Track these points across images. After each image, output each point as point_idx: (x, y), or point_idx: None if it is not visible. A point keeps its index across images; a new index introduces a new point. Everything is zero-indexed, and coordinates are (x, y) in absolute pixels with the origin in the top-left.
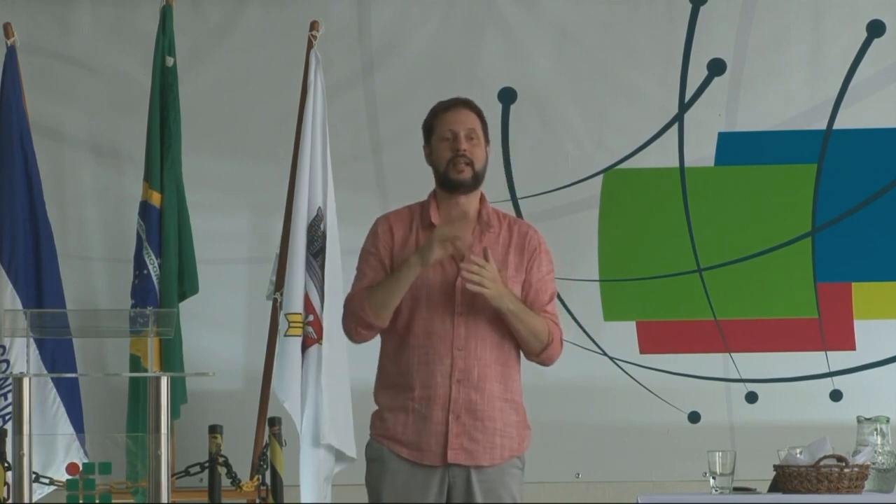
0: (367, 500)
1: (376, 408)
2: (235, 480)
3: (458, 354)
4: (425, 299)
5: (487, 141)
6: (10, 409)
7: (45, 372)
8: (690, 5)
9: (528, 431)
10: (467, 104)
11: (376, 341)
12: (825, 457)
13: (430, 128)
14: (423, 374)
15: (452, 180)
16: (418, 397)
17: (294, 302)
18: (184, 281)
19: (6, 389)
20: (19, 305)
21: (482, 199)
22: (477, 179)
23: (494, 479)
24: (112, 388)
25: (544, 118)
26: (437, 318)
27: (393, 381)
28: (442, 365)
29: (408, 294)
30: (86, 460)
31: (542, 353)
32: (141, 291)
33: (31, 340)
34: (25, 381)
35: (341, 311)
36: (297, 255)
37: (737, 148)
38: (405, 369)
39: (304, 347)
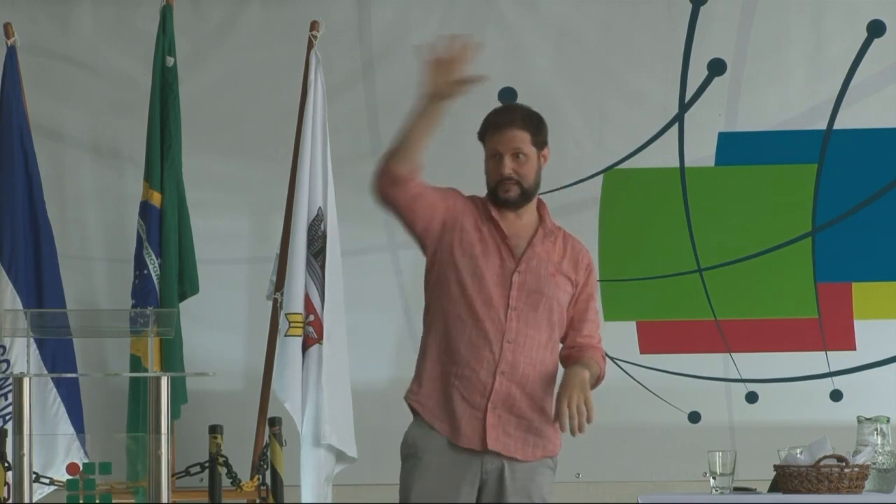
0: (367, 501)
1: (411, 383)
2: (236, 480)
3: (508, 347)
4: (481, 288)
5: (542, 145)
6: (10, 409)
7: (46, 372)
8: (690, 5)
9: (560, 434)
10: (513, 121)
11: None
12: (825, 457)
13: (482, 138)
14: (470, 355)
15: (500, 199)
16: (460, 375)
17: (294, 302)
18: (184, 281)
19: (6, 389)
20: (19, 305)
21: (542, 203)
22: (526, 195)
23: (526, 476)
24: (112, 388)
25: (544, 118)
26: (492, 307)
27: (437, 356)
28: (490, 352)
29: (466, 276)
30: (86, 460)
31: (596, 386)
32: (141, 291)
33: (32, 340)
34: (26, 381)
35: (342, 311)
36: (298, 255)
37: (737, 148)
38: (454, 346)
39: (305, 347)
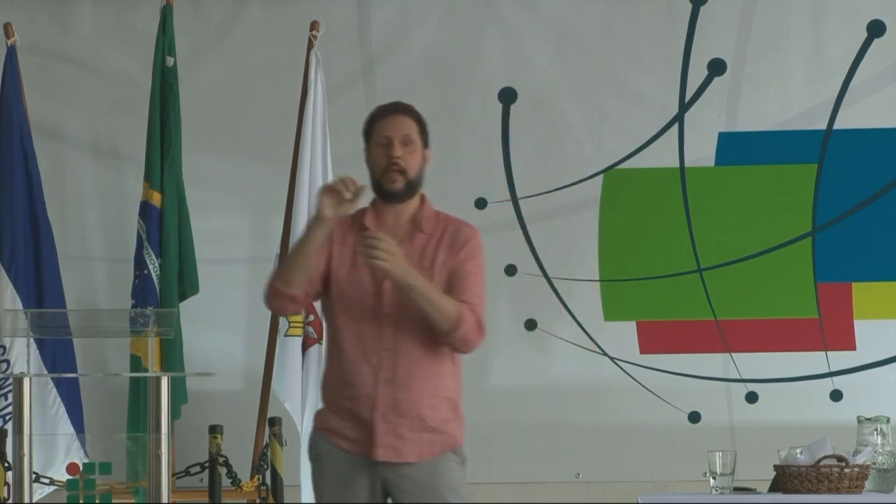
0: None
1: (320, 414)
2: (236, 480)
3: (385, 354)
4: (354, 305)
5: (426, 145)
6: (10, 409)
7: (46, 372)
8: (690, 5)
9: (462, 425)
10: (405, 110)
11: None
12: (825, 457)
13: (368, 133)
14: (353, 374)
15: (385, 190)
16: (349, 396)
17: None
18: (184, 281)
19: (6, 389)
20: (19, 305)
21: (422, 201)
22: (411, 187)
23: (429, 473)
24: (112, 388)
25: (544, 118)
26: (365, 319)
27: (331, 381)
28: (369, 365)
29: (339, 298)
30: (86, 460)
31: (451, 335)
32: (141, 291)
33: (32, 340)
34: (26, 381)
35: None
36: None
37: (737, 148)
38: (340, 369)
39: (305, 347)
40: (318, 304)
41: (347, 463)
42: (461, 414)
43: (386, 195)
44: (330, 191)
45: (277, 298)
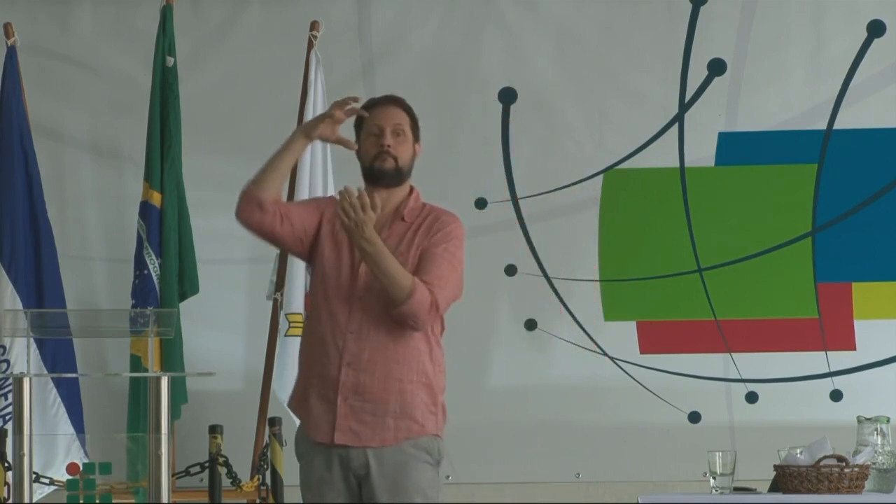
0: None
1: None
2: (235, 480)
3: (351, 337)
4: (332, 284)
5: (417, 139)
6: (10, 409)
7: (46, 372)
8: (690, 5)
9: (439, 414)
10: (397, 102)
11: None
12: (825, 457)
13: (359, 123)
14: (320, 356)
15: (375, 170)
16: (317, 374)
17: (294, 302)
18: (184, 281)
19: (6, 389)
20: (19, 305)
21: (410, 192)
22: (400, 173)
23: (397, 470)
24: (112, 388)
25: (544, 118)
26: (339, 300)
27: (304, 362)
28: (335, 347)
29: (320, 277)
30: (86, 460)
31: (400, 307)
32: (141, 291)
33: (32, 340)
34: (26, 381)
35: None
36: None
37: (737, 148)
38: (309, 350)
39: None
40: None
41: (325, 463)
42: (441, 402)
43: (376, 175)
44: (329, 116)
45: (245, 200)
